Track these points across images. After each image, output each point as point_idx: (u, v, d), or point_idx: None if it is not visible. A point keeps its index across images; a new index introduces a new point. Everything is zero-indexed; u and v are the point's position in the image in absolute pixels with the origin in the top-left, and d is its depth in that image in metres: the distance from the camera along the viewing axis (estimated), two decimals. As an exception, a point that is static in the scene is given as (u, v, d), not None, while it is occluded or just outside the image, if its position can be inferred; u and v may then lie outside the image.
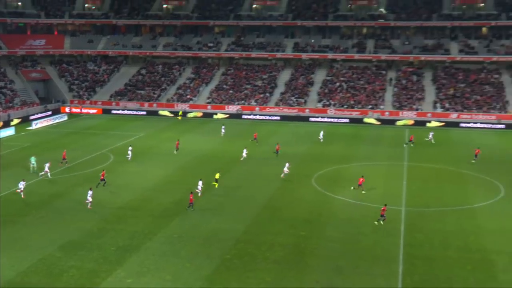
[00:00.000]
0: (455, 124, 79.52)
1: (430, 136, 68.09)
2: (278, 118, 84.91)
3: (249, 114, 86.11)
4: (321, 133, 68.22)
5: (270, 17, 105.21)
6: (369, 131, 75.67)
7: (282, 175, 49.74)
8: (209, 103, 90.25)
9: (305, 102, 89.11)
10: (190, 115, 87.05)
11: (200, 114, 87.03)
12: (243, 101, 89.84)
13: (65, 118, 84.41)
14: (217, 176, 47.42)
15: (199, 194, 43.96)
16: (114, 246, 33.97)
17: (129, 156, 56.59)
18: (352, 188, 46.34)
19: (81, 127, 77.25)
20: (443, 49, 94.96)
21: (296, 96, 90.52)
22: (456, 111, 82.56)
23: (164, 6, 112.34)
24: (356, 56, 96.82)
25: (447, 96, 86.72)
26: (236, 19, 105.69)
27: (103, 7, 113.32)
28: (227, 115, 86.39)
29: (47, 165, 49.73)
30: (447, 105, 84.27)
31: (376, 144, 66.15)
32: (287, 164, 50.29)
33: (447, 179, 49.95)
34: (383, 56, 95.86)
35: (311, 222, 38.66)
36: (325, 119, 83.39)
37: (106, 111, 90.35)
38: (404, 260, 32.19)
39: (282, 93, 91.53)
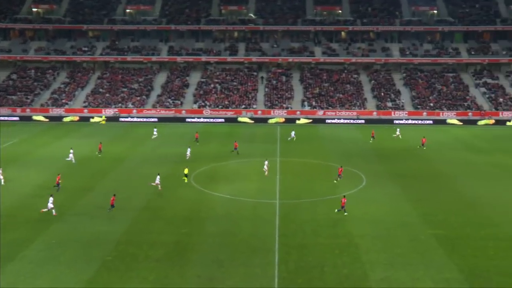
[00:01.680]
0: (322, 121, 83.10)
1: (398, 132, 70.12)
2: (155, 120, 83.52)
3: (127, 117, 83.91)
4: (292, 133, 68.14)
5: (144, 21, 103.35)
6: (243, 129, 76.83)
7: (266, 173, 49.38)
8: (85, 107, 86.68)
9: (181, 103, 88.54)
10: (66, 119, 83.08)
11: (76, 118, 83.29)
12: (120, 104, 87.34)
13: None
14: (186, 171, 47.66)
15: (159, 188, 44.32)
16: (-13, 257, 31.43)
17: (71, 158, 54.10)
18: (335, 181, 47.43)
19: None
20: (308, 51, 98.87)
21: (172, 98, 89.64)
22: (322, 108, 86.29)
23: (34, 9, 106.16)
24: (229, 58, 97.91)
25: (313, 95, 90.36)
26: (110, 23, 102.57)
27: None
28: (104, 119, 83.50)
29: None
30: (314, 103, 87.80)
31: (250, 142, 67.22)
32: (266, 162, 50.26)
33: (316, 172, 51.91)
34: (254, 58, 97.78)
35: (191, 219, 38.43)
36: (201, 120, 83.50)
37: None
38: (279, 249, 32.99)
39: (158, 95, 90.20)
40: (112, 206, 39.44)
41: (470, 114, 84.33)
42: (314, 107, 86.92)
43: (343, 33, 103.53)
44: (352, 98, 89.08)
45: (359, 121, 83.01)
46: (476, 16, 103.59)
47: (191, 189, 45.84)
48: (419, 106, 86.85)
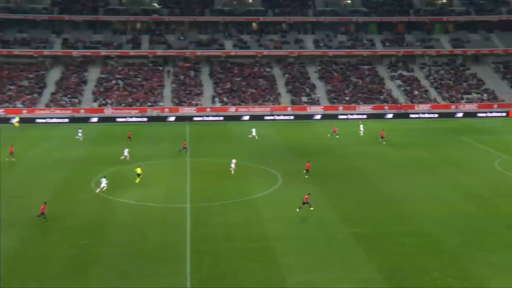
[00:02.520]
0: (235, 118, 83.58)
1: (361, 128, 71.55)
2: (54, 120, 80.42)
3: (15, 118, 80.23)
4: (253, 130, 68.65)
5: (33, 10, 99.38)
6: (149, 128, 75.86)
7: (232, 171, 50.68)
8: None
9: (80, 102, 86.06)
10: None
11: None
12: (7, 104, 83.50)
13: None
14: (138, 171, 48.15)
15: (97, 192, 44.36)
16: None
17: None
18: (306, 177, 50.18)
19: None
20: (218, 44, 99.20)
21: (69, 96, 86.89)
22: (234, 104, 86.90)
23: None
24: (131, 52, 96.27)
25: (224, 90, 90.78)
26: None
27: None
28: (-11, 120, 79.57)
29: None
30: (225, 99, 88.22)
31: (157, 142, 66.56)
32: (233, 161, 51.06)
33: (229, 172, 52.07)
34: (159, 52, 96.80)
35: (92, 229, 37.50)
36: (103, 119, 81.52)
37: None
38: (191, 257, 32.92)
39: (52, 93, 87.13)
40: (43, 214, 38.12)
41: (386, 107, 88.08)
42: (226, 103, 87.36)
43: (254, 24, 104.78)
44: (265, 93, 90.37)
45: (273, 118, 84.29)
46: (390, 7, 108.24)
47: (92, 195, 44.68)
48: (334, 100, 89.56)
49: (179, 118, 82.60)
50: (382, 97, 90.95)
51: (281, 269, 31.57)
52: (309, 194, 41.35)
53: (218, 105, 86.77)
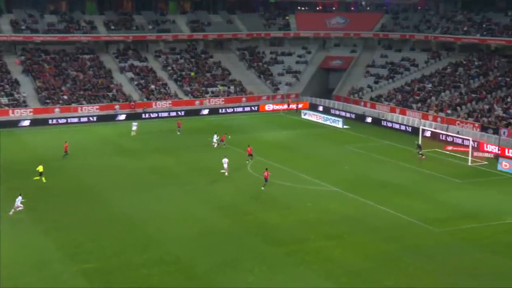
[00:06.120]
0: None
1: (134, 128, 75.92)
2: None
3: None
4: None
5: None
6: None
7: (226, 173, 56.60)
8: None
9: None
10: None
11: None
12: None
13: None
14: (40, 169, 53.92)
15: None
16: None
17: None
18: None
19: None
20: None
21: None
22: None
23: None
24: None
25: None
26: None
27: None
28: None
29: None
30: None
31: None
32: (225, 160, 57.08)
33: None
34: None
35: None
36: None
37: None
38: None
39: None
40: None
41: (117, 107, 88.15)
42: None
43: None
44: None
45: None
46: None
47: None
48: (48, 101, 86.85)
49: None
50: (111, 94, 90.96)
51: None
52: (267, 169, 52.60)
53: None
